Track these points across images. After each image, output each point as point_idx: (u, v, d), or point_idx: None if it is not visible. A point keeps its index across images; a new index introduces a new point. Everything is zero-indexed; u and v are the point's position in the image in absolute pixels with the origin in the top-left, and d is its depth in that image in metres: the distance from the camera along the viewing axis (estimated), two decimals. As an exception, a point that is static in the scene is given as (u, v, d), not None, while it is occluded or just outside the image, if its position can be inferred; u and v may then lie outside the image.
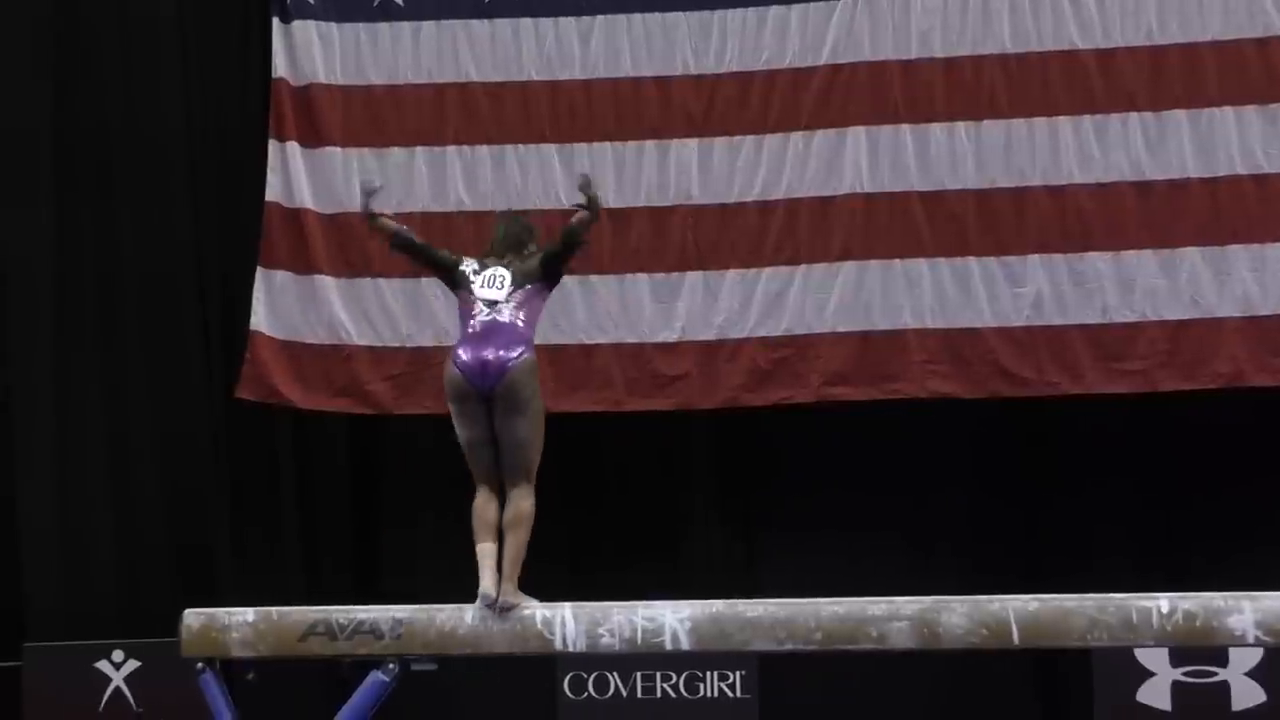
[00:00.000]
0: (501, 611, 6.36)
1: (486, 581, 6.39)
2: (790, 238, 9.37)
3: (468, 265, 6.68)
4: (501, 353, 6.47)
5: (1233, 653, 8.48)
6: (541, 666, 8.85)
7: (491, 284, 6.59)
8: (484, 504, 6.57)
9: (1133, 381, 9.10)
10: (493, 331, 6.51)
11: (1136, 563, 9.35)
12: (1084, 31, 9.22)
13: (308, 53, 9.65)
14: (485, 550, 6.49)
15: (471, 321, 6.57)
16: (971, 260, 9.23)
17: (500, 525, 6.53)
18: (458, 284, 6.68)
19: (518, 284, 6.59)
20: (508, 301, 6.56)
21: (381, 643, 6.35)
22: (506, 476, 6.56)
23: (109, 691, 9.29)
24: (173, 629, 6.54)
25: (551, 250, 6.69)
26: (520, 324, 6.56)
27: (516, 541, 6.49)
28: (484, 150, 9.58)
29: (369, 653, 6.38)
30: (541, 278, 6.66)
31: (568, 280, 9.38)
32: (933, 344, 9.21)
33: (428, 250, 6.82)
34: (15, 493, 10.01)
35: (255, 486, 10.06)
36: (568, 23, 9.59)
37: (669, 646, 6.28)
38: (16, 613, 9.87)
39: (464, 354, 6.51)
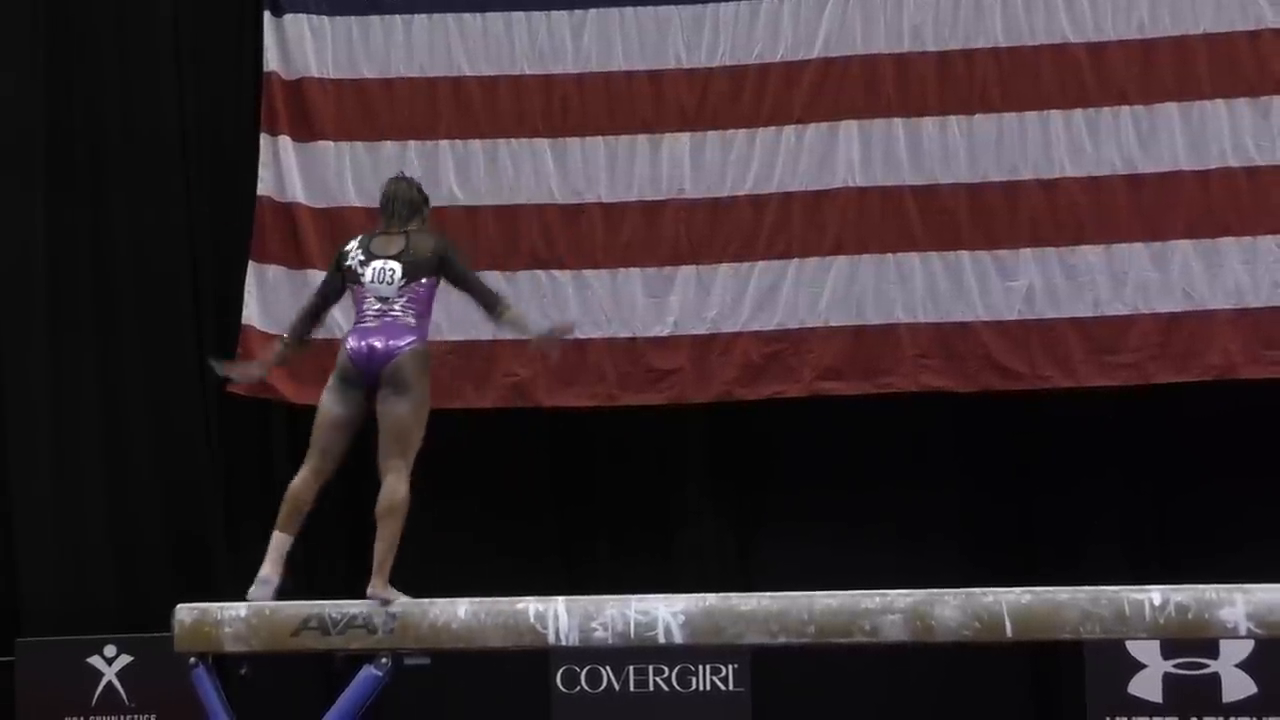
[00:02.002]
0: (383, 604, 6.37)
1: (266, 569, 6.44)
2: (783, 232, 9.38)
3: (352, 258, 6.61)
4: (391, 341, 6.47)
5: (1223, 645, 8.49)
6: (534, 660, 8.84)
7: (381, 279, 6.55)
8: (301, 487, 6.58)
9: (1125, 374, 9.11)
10: (384, 324, 6.52)
11: (1129, 555, 9.36)
12: (1075, 25, 9.22)
13: (300, 46, 9.65)
14: (279, 540, 6.53)
15: (364, 312, 6.56)
16: (964, 254, 9.24)
17: (306, 515, 6.57)
18: (349, 280, 6.65)
19: (409, 277, 6.55)
20: (400, 296, 6.54)
21: (374, 637, 6.35)
22: (382, 458, 6.52)
23: (101, 686, 9.29)
24: (166, 624, 6.54)
25: (457, 274, 6.70)
26: (412, 320, 6.54)
27: (390, 533, 6.49)
28: (476, 144, 9.57)
29: (362, 647, 6.38)
30: (434, 273, 6.63)
31: (560, 275, 9.45)
32: (925, 338, 9.22)
33: (318, 305, 6.83)
34: (10, 488, 10.01)
35: (249, 481, 10.05)
36: (560, 16, 9.58)
37: (662, 640, 6.28)
38: (11, 608, 9.87)
39: (353, 341, 6.52)
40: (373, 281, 6.55)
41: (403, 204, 6.70)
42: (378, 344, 6.46)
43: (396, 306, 6.52)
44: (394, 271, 6.54)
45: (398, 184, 6.80)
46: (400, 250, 6.59)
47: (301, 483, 6.61)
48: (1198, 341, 9.03)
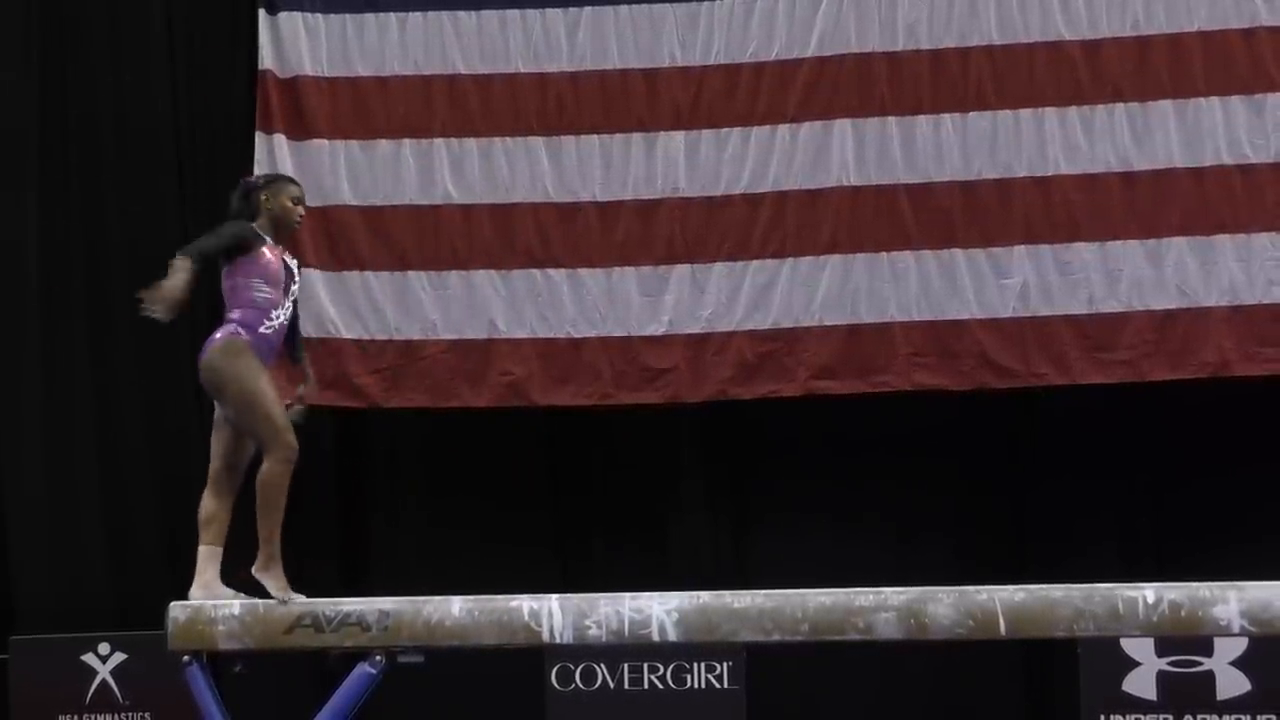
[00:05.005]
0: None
1: (198, 586, 6.50)
2: (778, 230, 9.37)
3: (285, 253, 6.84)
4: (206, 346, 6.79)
5: (1218, 642, 8.50)
6: (529, 658, 8.84)
7: (297, 282, 6.87)
8: (206, 499, 6.72)
9: (1120, 372, 9.11)
10: (294, 326, 6.89)
11: (1123, 552, 9.37)
12: (1070, 22, 9.23)
13: (294, 44, 9.64)
14: (206, 553, 6.60)
15: (281, 314, 6.79)
16: (958, 252, 9.24)
17: (224, 524, 6.68)
18: (253, 251, 6.89)
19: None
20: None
21: (368, 634, 6.34)
22: None
23: (95, 684, 9.28)
24: (161, 622, 6.53)
25: None
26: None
27: (262, 512, 6.61)
28: (471, 143, 9.56)
29: (356, 645, 6.37)
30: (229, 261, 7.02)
31: (555, 274, 9.45)
32: (919, 336, 9.22)
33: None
34: (3, 487, 10.00)
35: (243, 479, 10.03)
36: (555, 14, 9.58)
37: (656, 638, 6.27)
38: (4, 606, 9.86)
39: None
40: (295, 287, 6.90)
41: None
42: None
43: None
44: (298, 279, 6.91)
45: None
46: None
47: (205, 495, 6.77)
48: (1192, 339, 9.03)
